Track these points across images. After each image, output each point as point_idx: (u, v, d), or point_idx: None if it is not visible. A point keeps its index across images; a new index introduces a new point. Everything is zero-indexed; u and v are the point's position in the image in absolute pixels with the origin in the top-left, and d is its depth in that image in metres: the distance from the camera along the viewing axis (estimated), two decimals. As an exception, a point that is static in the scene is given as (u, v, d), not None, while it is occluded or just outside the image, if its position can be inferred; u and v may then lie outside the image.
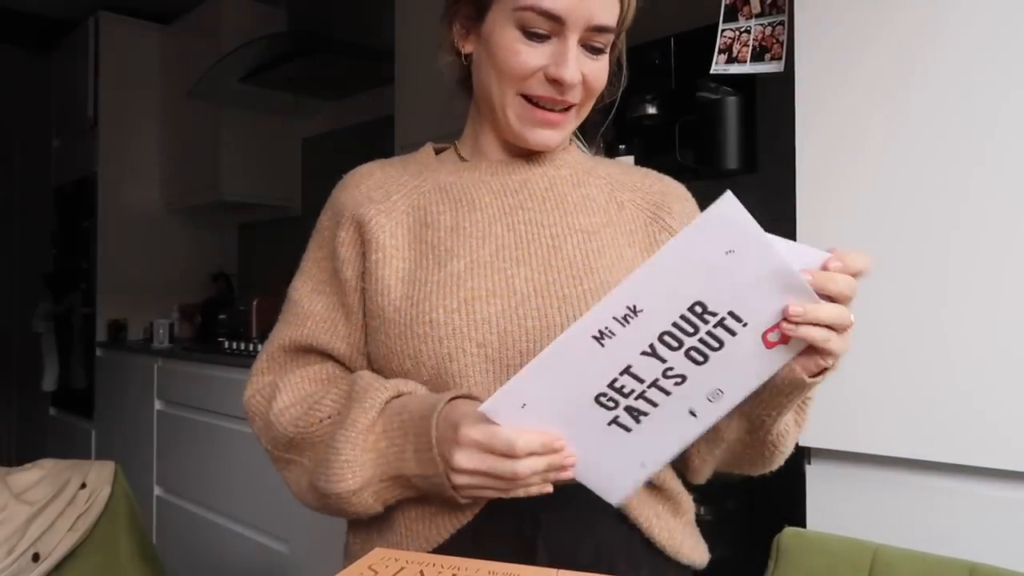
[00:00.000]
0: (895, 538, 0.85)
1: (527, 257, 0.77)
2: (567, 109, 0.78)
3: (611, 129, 0.96)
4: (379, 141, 2.42)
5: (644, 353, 0.59)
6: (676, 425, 0.62)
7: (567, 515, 0.72)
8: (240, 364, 2.28)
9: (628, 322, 0.57)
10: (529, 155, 0.84)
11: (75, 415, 3.33)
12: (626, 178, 0.87)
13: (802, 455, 1.13)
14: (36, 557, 1.11)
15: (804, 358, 0.61)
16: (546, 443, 0.61)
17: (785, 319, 0.57)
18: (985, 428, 0.97)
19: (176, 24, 3.25)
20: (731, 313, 0.57)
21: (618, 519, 0.74)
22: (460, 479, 0.63)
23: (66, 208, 3.43)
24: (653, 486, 0.77)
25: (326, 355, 0.82)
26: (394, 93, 2.31)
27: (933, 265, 1.01)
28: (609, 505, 0.67)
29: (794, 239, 1.13)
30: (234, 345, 2.52)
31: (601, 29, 0.75)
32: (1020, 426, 0.94)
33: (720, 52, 1.32)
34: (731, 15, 1.32)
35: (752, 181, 1.35)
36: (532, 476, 0.61)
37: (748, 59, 1.29)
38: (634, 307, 0.57)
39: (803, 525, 1.10)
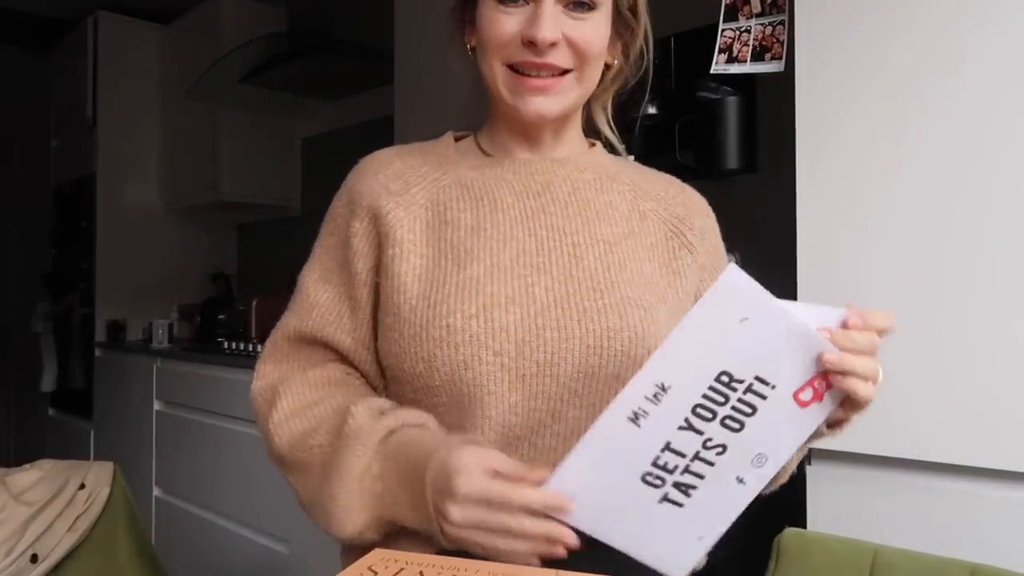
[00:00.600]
0: (895, 538, 0.85)
1: (548, 265, 0.76)
2: (562, 75, 0.77)
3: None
4: (379, 141, 2.40)
5: (681, 428, 0.60)
6: (726, 495, 0.62)
7: None
8: (239, 364, 2.28)
9: (659, 400, 0.59)
10: (551, 152, 0.84)
11: (74, 415, 3.32)
12: (649, 186, 0.86)
13: (802, 455, 1.13)
14: (35, 558, 1.11)
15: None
16: (549, 504, 0.60)
17: (826, 368, 0.58)
18: (985, 428, 0.97)
19: (175, 24, 3.24)
20: (757, 378, 0.59)
21: None
22: (452, 531, 0.62)
23: (65, 208, 3.42)
24: None
25: (330, 348, 0.81)
26: (394, 93, 2.31)
27: (932, 265, 1.01)
28: None
29: (794, 240, 1.13)
30: (233, 345, 2.52)
31: None
32: (1020, 426, 0.94)
33: (720, 52, 1.32)
34: (731, 15, 1.32)
35: (752, 181, 1.35)
36: (525, 539, 0.60)
37: (748, 59, 1.29)
38: (662, 384, 0.59)
39: (803, 525, 1.10)
